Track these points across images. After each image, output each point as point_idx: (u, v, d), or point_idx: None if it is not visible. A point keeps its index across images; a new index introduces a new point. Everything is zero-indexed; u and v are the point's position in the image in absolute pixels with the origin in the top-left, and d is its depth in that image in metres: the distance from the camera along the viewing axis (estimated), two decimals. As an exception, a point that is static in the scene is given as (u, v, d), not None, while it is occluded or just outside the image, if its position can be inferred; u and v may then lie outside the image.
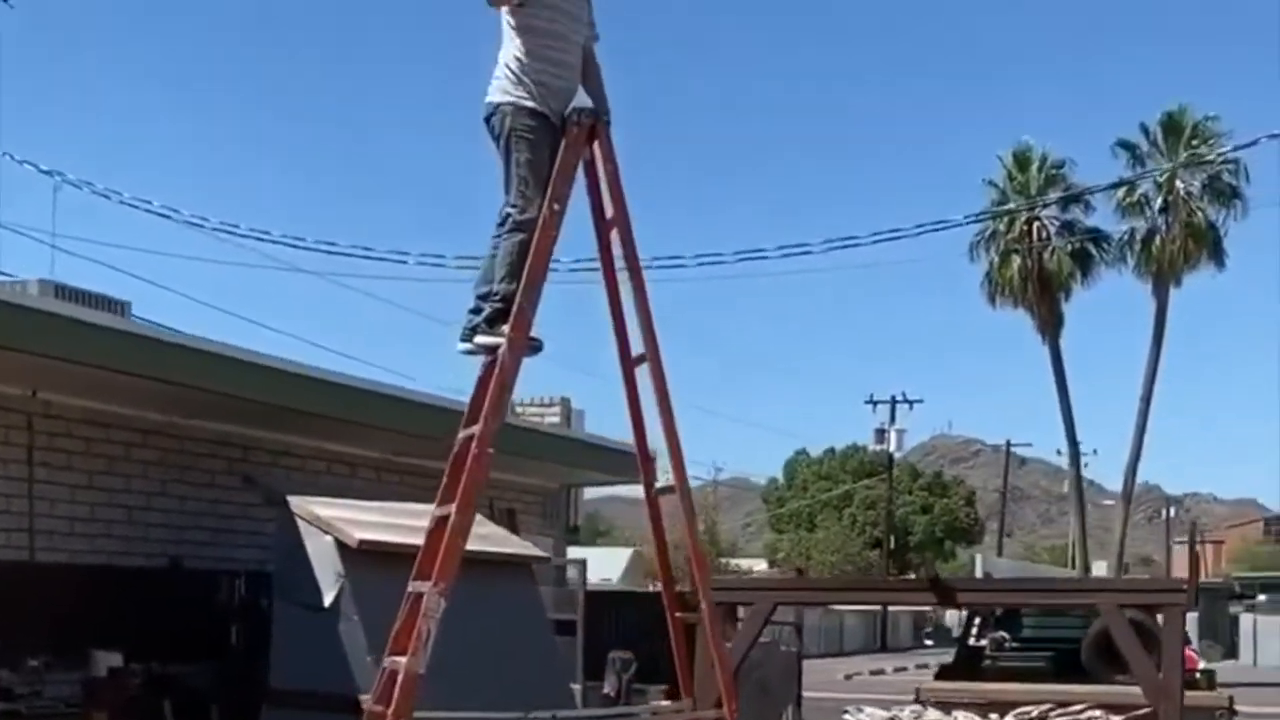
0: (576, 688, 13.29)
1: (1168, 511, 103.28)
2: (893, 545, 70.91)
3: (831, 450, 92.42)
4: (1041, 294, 46.93)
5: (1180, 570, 55.58)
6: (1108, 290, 49.44)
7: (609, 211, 7.47)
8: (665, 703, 8.57)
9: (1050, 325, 47.48)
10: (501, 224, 7.26)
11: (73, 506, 11.79)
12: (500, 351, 6.91)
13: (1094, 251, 48.09)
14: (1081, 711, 9.50)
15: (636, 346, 7.48)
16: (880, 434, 68.75)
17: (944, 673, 16.30)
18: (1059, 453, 68.23)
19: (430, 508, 13.47)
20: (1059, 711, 9.47)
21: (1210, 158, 44.05)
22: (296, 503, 11.59)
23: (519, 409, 18.86)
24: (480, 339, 7.15)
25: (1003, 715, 10.16)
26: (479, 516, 14.35)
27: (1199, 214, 45.74)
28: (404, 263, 28.14)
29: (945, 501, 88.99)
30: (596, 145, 7.34)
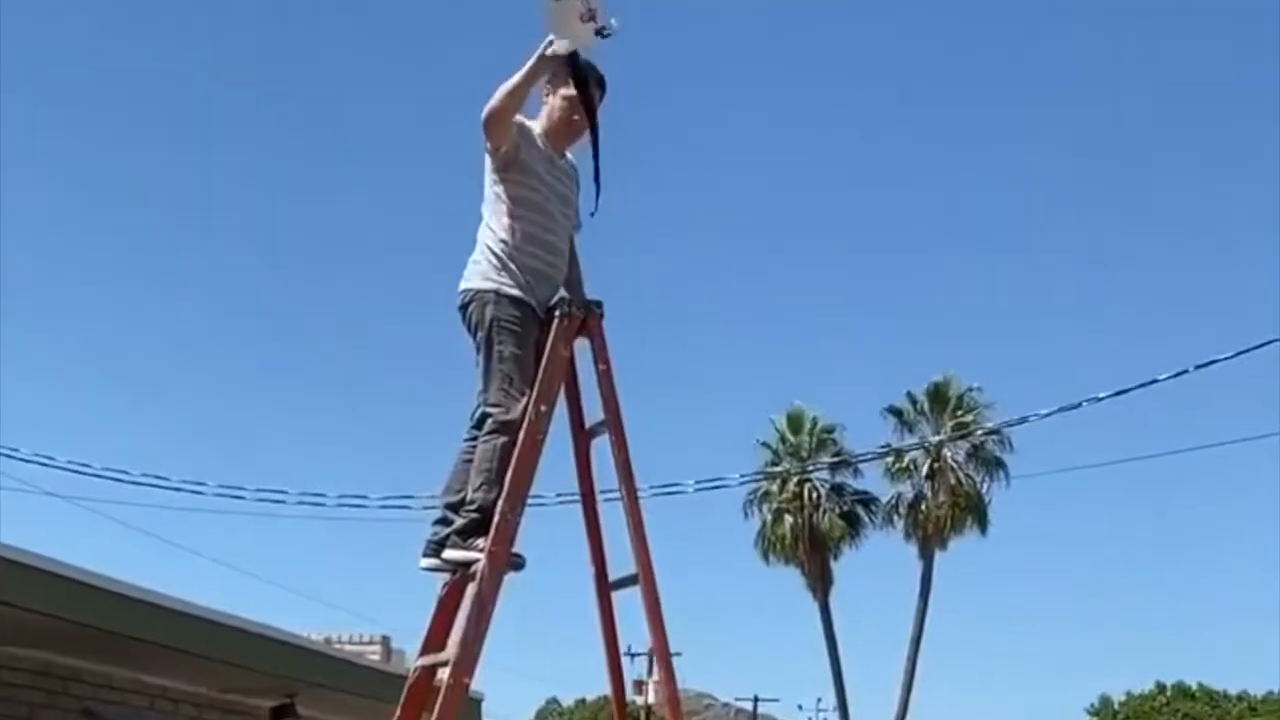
0: None
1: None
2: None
3: (583, 700, 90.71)
4: (812, 553, 46.91)
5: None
6: (877, 551, 49.88)
7: (588, 417, 6.54)
8: None
9: (820, 584, 47.41)
10: (477, 425, 6.25)
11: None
12: (478, 568, 5.86)
13: (863, 514, 48.51)
14: None
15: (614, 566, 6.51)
16: (639, 685, 67.46)
17: None
18: (800, 708, 67.83)
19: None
20: None
21: (975, 429, 44.90)
22: (142, 739, 10.18)
23: (338, 644, 17.53)
24: (451, 554, 6.07)
25: None
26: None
27: (964, 481, 46.48)
28: (162, 487, 26.30)
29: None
30: (581, 341, 6.41)
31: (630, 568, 6.38)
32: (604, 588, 6.48)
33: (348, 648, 17.42)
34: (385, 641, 18.33)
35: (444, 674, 5.70)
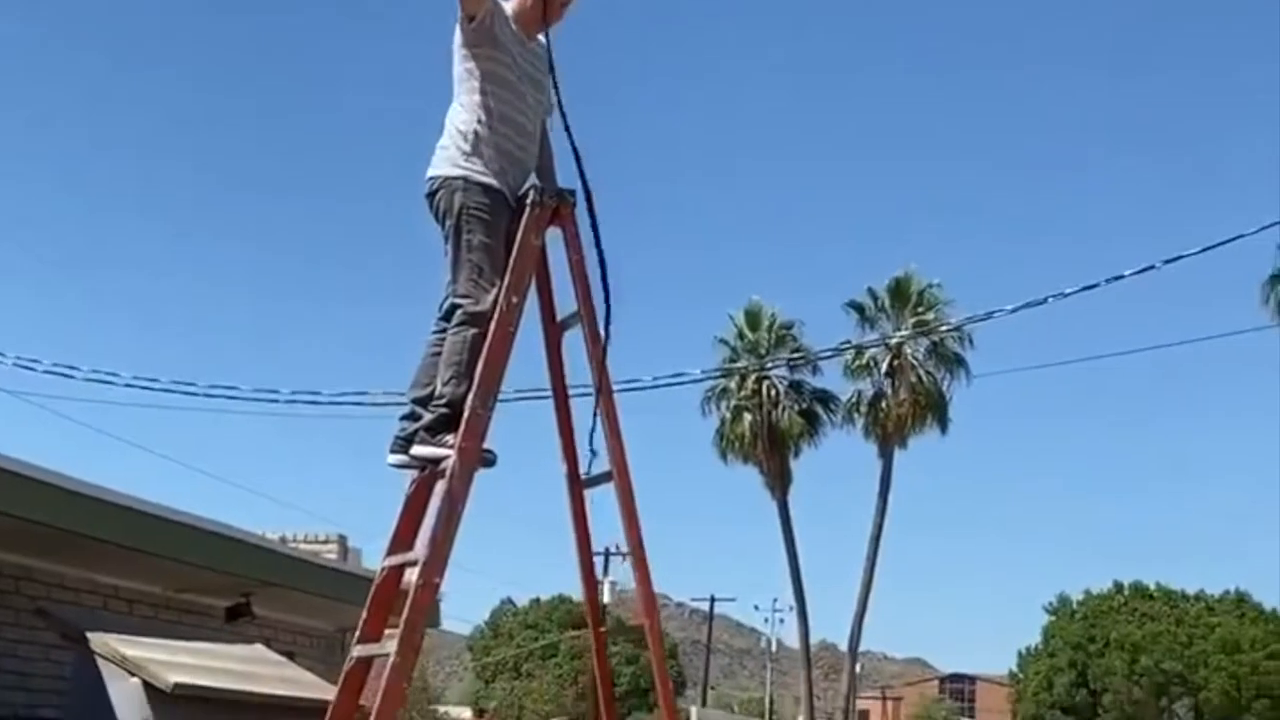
0: None
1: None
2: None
3: (537, 600, 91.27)
4: (770, 451, 46.96)
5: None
6: (836, 449, 50.13)
7: (559, 311, 6.42)
8: None
9: (779, 482, 47.51)
10: (445, 317, 6.12)
11: None
12: (448, 464, 5.75)
13: (822, 412, 48.53)
14: None
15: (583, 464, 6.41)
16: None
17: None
18: (756, 608, 68.57)
19: (237, 649, 12.11)
20: None
21: (937, 325, 44.85)
22: (98, 640, 10.05)
23: (294, 543, 17.42)
24: (419, 450, 5.96)
25: None
26: (280, 658, 12.98)
27: (924, 378, 46.51)
28: (112, 384, 26.05)
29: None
30: (553, 231, 6.27)
31: (601, 466, 6.30)
32: (576, 486, 6.38)
33: (303, 546, 17.34)
34: (342, 540, 18.20)
35: (413, 574, 5.60)
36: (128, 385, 25.30)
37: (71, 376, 25.11)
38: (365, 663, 5.86)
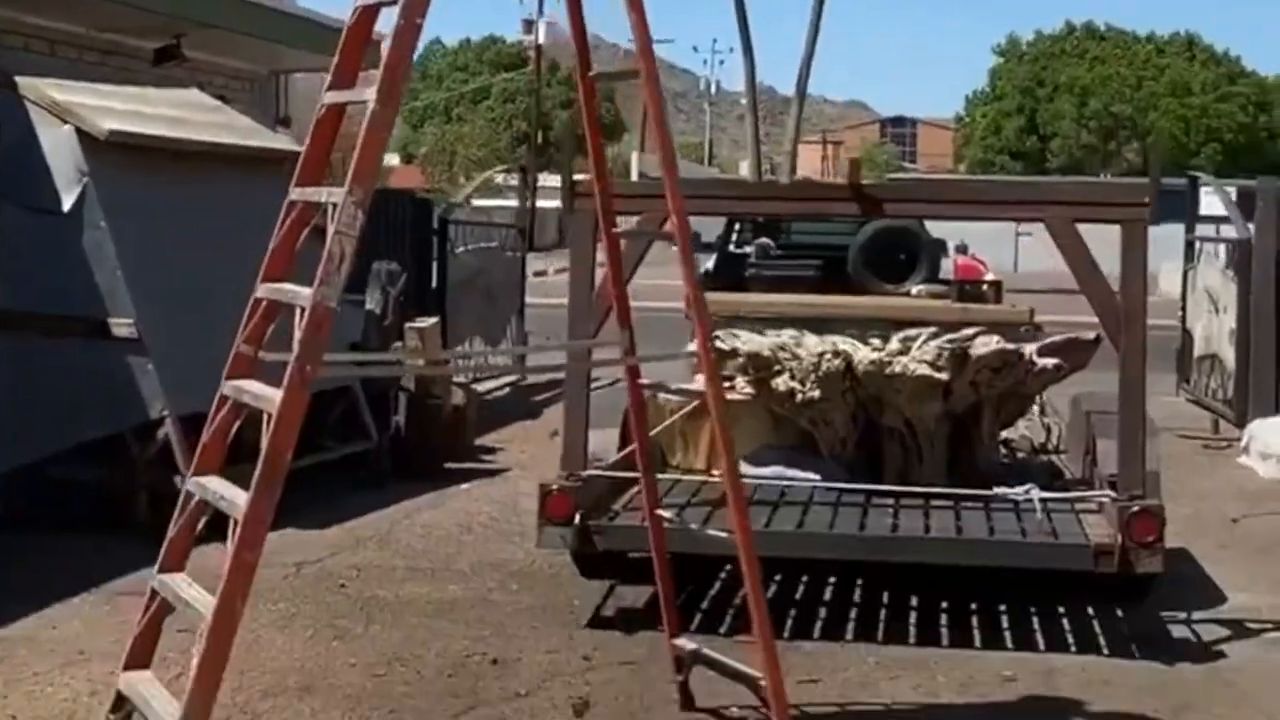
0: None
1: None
2: (540, 141, 69.59)
3: (467, 40, 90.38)
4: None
5: (806, 169, 56.70)
6: None
7: None
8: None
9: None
10: None
11: None
12: (425, -111, 5.30)
13: None
14: (974, 335, 8.61)
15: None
16: (529, 25, 67.42)
17: (704, 282, 15.43)
18: (695, 49, 68.06)
19: (171, 94, 11.79)
20: (948, 337, 8.57)
21: None
22: (28, 85, 9.69)
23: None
24: None
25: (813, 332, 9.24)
26: (216, 103, 12.67)
27: None
28: None
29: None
30: None
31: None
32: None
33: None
34: (272, -25, 17.47)
35: (393, 14, 5.24)
36: None
37: None
38: (338, 110, 5.55)
